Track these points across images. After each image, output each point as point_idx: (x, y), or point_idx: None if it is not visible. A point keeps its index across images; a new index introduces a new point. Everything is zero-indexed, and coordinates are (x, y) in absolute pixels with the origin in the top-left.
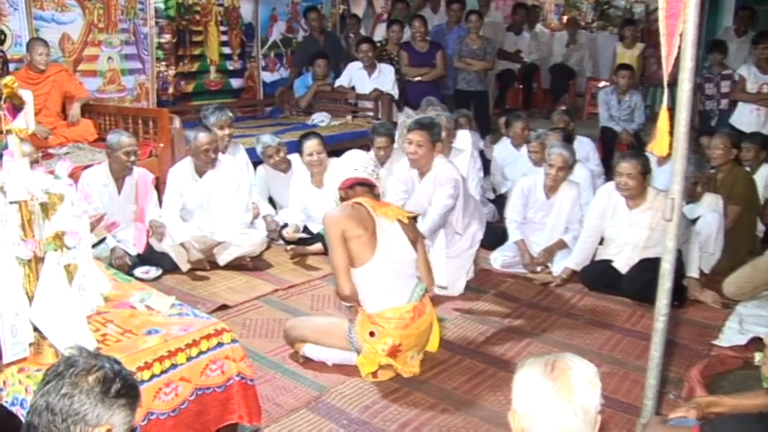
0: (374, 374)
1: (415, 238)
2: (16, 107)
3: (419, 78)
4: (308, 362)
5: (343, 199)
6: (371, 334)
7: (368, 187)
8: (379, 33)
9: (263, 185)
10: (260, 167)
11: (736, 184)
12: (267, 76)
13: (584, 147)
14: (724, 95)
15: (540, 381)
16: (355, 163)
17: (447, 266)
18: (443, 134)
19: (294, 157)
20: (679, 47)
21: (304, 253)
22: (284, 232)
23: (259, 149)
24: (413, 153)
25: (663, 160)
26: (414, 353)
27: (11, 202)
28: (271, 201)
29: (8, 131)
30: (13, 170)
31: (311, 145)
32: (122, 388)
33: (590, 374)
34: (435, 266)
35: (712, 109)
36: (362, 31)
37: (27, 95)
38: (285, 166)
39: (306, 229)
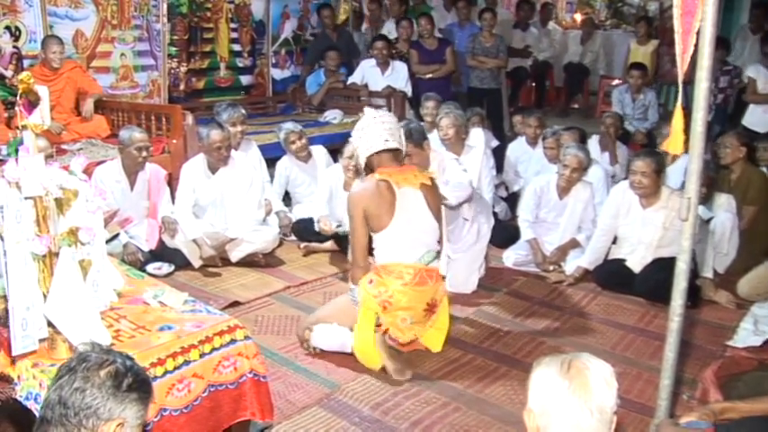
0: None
1: (439, 206)
2: (32, 103)
3: (430, 75)
4: (319, 358)
5: (367, 166)
6: (370, 281)
7: (393, 153)
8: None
9: (283, 180)
10: (283, 158)
11: (751, 184)
12: (277, 74)
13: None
14: (721, 90)
15: (557, 380)
16: (385, 132)
17: (457, 263)
18: (452, 132)
19: (314, 149)
20: (696, 45)
21: (317, 250)
22: (319, 224)
23: (282, 136)
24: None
25: (671, 159)
26: (405, 316)
27: (26, 198)
28: (286, 196)
29: (24, 127)
30: (29, 166)
31: (350, 149)
32: (134, 383)
33: (607, 374)
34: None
35: (709, 104)
36: (363, 30)
37: (42, 91)
38: (306, 155)
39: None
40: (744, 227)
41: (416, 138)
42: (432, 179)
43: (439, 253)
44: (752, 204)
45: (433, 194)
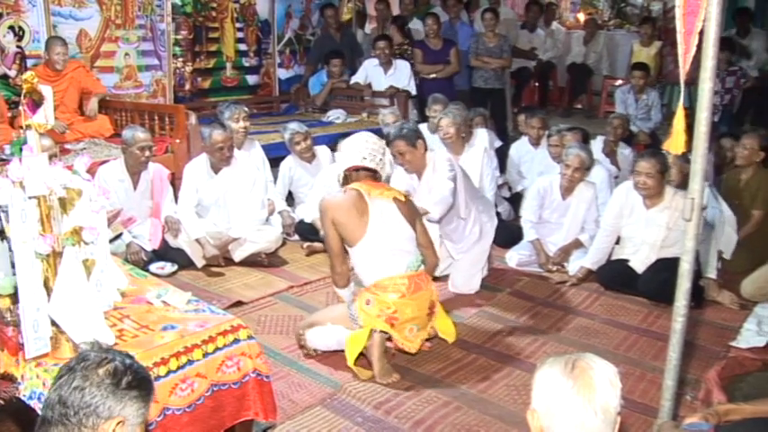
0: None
1: (414, 217)
2: (36, 102)
3: (434, 75)
4: (321, 358)
5: (345, 179)
6: (368, 302)
7: (371, 173)
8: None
9: (286, 180)
10: (287, 158)
11: (760, 188)
12: (282, 73)
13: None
14: (728, 91)
15: (561, 380)
16: (365, 151)
17: (459, 263)
18: (452, 131)
19: (319, 149)
20: (699, 45)
21: (320, 250)
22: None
23: (287, 136)
24: (402, 162)
25: (672, 159)
26: (413, 326)
27: (30, 197)
28: (290, 197)
29: (28, 126)
30: (33, 165)
31: None
32: (134, 380)
33: (610, 374)
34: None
35: (716, 104)
36: (367, 30)
37: (46, 91)
38: (310, 155)
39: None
40: (750, 230)
41: (409, 136)
42: (405, 196)
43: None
44: (760, 209)
45: (406, 208)
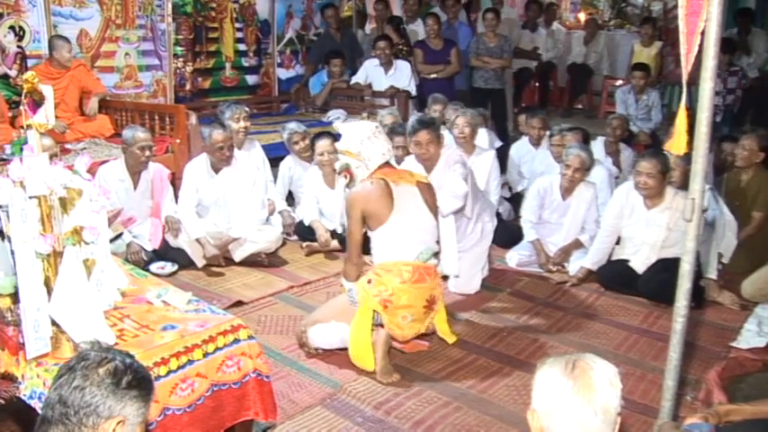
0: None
1: (436, 205)
2: (36, 102)
3: (434, 75)
4: (322, 358)
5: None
6: (369, 281)
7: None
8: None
9: (286, 180)
10: (286, 158)
11: (761, 189)
12: (283, 73)
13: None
14: (730, 91)
15: (561, 380)
16: (383, 147)
17: (460, 263)
18: (468, 131)
19: None
20: (701, 45)
21: (319, 250)
22: (320, 239)
23: (285, 136)
24: (424, 153)
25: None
26: (406, 314)
27: (31, 197)
28: (290, 197)
29: (28, 126)
30: (33, 165)
31: (323, 145)
32: (134, 380)
33: (611, 375)
34: (446, 254)
35: (718, 105)
36: (367, 30)
37: (47, 90)
38: (309, 155)
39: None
40: (750, 232)
41: (437, 128)
42: (426, 179)
43: (437, 253)
44: (760, 210)
45: (429, 192)
